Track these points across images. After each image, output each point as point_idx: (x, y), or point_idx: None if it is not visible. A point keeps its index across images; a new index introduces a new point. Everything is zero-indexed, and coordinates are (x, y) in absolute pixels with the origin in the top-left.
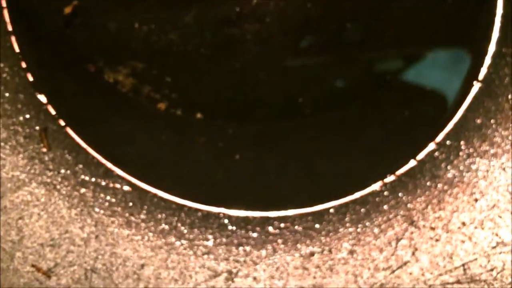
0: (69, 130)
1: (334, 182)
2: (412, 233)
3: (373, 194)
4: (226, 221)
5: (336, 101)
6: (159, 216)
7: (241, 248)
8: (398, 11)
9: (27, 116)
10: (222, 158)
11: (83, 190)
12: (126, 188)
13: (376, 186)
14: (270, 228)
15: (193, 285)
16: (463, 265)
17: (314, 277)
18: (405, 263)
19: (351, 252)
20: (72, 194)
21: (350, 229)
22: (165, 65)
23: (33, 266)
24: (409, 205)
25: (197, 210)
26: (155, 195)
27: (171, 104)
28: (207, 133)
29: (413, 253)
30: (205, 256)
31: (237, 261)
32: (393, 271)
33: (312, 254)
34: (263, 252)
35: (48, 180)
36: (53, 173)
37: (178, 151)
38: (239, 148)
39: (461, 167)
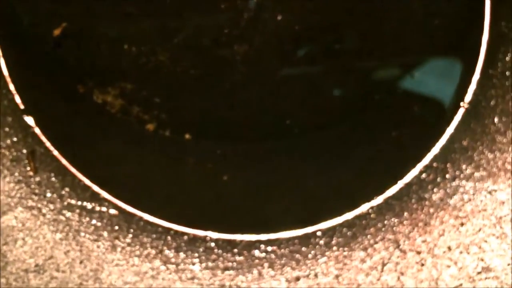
0: (56, 153)
1: (322, 204)
2: (398, 257)
3: (360, 216)
4: (212, 244)
5: (325, 121)
6: (145, 240)
7: (226, 272)
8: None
9: (15, 139)
10: (211, 179)
11: (68, 214)
12: (113, 211)
13: (363, 209)
14: (256, 252)
15: None
16: None
17: None
18: None
19: (337, 277)
20: (58, 218)
21: (337, 253)
22: (154, 86)
23: None
24: (395, 228)
25: (183, 233)
26: (141, 218)
27: (160, 125)
28: (195, 153)
29: (399, 278)
30: (191, 281)
31: (223, 286)
32: None
33: (298, 278)
34: (249, 277)
35: (34, 204)
36: (39, 197)
37: (166, 172)
38: (227, 169)
39: (448, 190)
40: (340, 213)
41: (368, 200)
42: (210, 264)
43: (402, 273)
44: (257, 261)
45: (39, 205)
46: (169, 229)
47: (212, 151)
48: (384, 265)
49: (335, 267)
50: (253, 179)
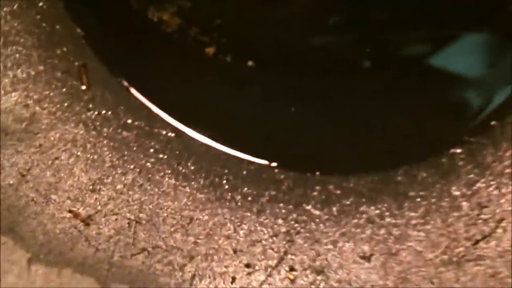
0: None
1: (403, 144)
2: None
3: (449, 155)
4: (282, 176)
5: (404, 54)
6: (209, 167)
7: (300, 208)
8: None
9: (65, 49)
10: (275, 110)
11: (125, 133)
12: (172, 134)
13: (451, 148)
14: (331, 187)
15: (248, 244)
16: None
17: (384, 242)
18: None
19: (423, 217)
20: (114, 136)
21: (422, 193)
22: (215, 5)
23: (70, 212)
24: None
25: (250, 163)
26: (203, 144)
27: (220, 49)
28: (258, 82)
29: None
30: (261, 214)
31: (296, 221)
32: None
33: (381, 217)
34: (325, 213)
35: (88, 120)
36: (93, 113)
37: (227, 100)
38: (294, 100)
39: None
40: (425, 154)
41: (458, 140)
42: (281, 196)
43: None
44: (333, 197)
45: (94, 122)
46: (233, 157)
47: (276, 80)
48: (482, 208)
49: (420, 208)
50: (323, 112)
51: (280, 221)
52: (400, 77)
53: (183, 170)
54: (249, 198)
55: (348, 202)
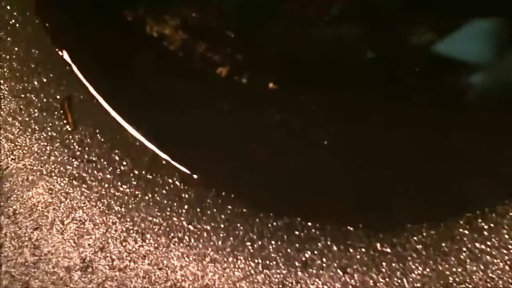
0: (101, 101)
1: (465, 187)
2: None
3: None
4: (316, 232)
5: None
6: (227, 224)
7: (343, 274)
8: None
9: (44, 80)
10: (305, 144)
11: (122, 186)
12: (180, 184)
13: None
14: (378, 245)
15: None
16: None
17: None
18: None
19: (495, 285)
20: (109, 192)
21: (493, 251)
22: (226, 15)
23: None
24: None
25: (277, 217)
26: (218, 194)
27: (235, 69)
28: (282, 109)
29: None
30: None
31: None
32: None
33: (445, 284)
34: (374, 278)
35: (75, 172)
36: (81, 162)
37: (245, 132)
38: (326, 130)
39: None
40: (489, 202)
41: None
42: (318, 260)
43: None
44: (381, 257)
45: (82, 173)
46: (258, 211)
47: (304, 105)
48: None
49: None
50: (364, 145)
51: None
52: (460, 106)
53: (196, 231)
54: (280, 265)
55: (401, 265)
